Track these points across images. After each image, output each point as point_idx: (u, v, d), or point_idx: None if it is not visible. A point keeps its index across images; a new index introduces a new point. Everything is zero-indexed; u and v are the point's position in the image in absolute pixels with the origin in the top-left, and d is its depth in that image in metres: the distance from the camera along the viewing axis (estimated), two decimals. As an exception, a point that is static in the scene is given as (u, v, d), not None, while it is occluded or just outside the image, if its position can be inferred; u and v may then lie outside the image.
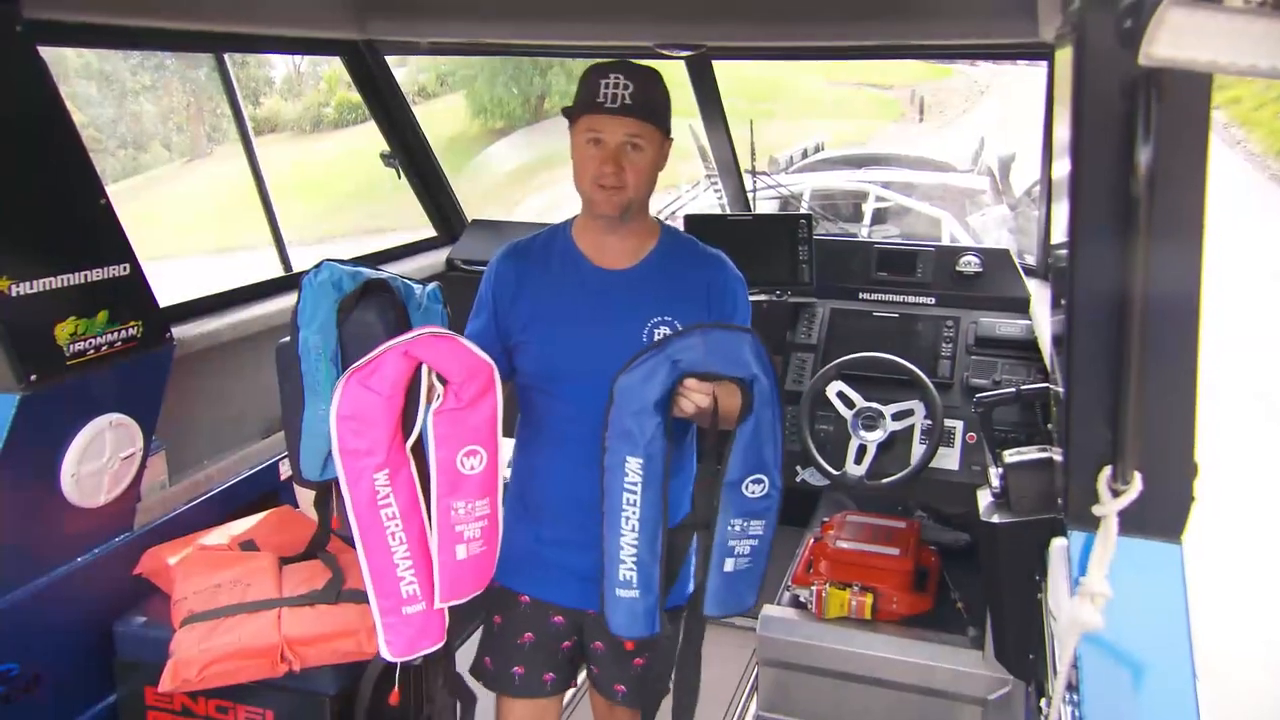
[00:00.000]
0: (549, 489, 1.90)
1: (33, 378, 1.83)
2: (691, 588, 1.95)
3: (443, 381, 1.64)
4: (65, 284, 1.89)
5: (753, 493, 1.68)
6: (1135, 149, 1.03)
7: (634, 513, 1.65)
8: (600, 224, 1.85)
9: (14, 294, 1.79)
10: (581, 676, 2.12)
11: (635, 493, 1.64)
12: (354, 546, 2.14)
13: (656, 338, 1.80)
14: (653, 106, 1.75)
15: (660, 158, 1.81)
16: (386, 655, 1.71)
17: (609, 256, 1.88)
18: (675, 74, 3.41)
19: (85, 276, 1.94)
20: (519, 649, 1.96)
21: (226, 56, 3.01)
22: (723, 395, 1.65)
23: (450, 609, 1.76)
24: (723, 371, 1.62)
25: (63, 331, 1.90)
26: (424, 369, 1.63)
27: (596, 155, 1.75)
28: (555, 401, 1.87)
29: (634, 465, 1.64)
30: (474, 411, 1.66)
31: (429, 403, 1.63)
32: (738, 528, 1.70)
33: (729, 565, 1.71)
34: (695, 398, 1.62)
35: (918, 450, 2.70)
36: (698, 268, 1.89)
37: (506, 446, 2.08)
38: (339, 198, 15.17)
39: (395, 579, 1.67)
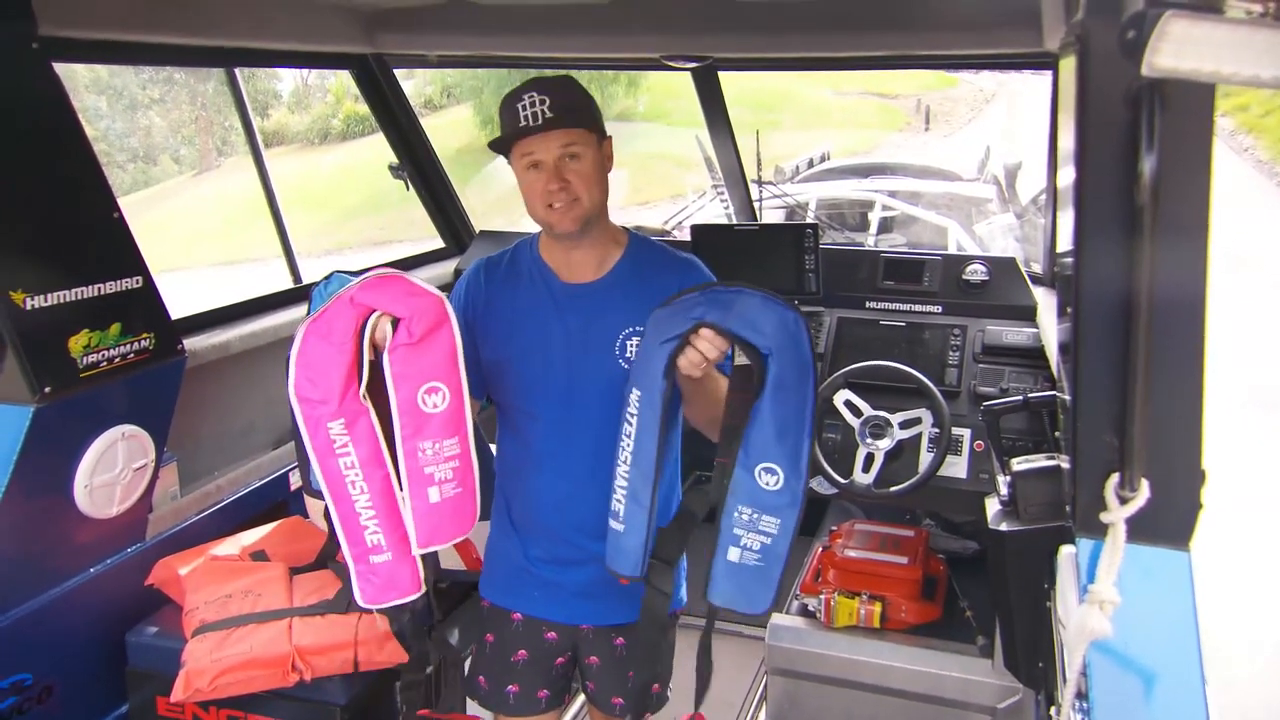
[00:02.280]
0: (536, 507, 1.89)
1: (47, 390, 1.85)
2: (686, 599, 1.99)
3: (394, 322, 1.60)
4: (79, 297, 1.92)
5: (765, 483, 1.63)
6: (1140, 158, 1.03)
7: (628, 444, 1.64)
8: (564, 241, 1.82)
9: (28, 307, 1.82)
10: (581, 700, 2.09)
11: (633, 425, 1.63)
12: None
13: (630, 350, 1.78)
14: (577, 111, 1.73)
15: (603, 159, 1.78)
16: (360, 601, 1.68)
17: (576, 271, 1.85)
18: (682, 85, 3.44)
19: (98, 289, 1.96)
20: (513, 667, 1.95)
21: (237, 71, 3.04)
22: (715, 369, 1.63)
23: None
24: (739, 332, 1.58)
25: (76, 344, 1.92)
26: (373, 315, 1.59)
27: (540, 178, 1.73)
28: (533, 421, 1.86)
29: (634, 397, 1.63)
30: (429, 348, 1.61)
31: (380, 347, 1.60)
32: (746, 516, 1.64)
33: (734, 555, 1.65)
34: (702, 345, 1.58)
35: (925, 458, 2.69)
36: (669, 274, 1.83)
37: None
38: (347, 209, 15.23)
39: (359, 528, 1.64)
